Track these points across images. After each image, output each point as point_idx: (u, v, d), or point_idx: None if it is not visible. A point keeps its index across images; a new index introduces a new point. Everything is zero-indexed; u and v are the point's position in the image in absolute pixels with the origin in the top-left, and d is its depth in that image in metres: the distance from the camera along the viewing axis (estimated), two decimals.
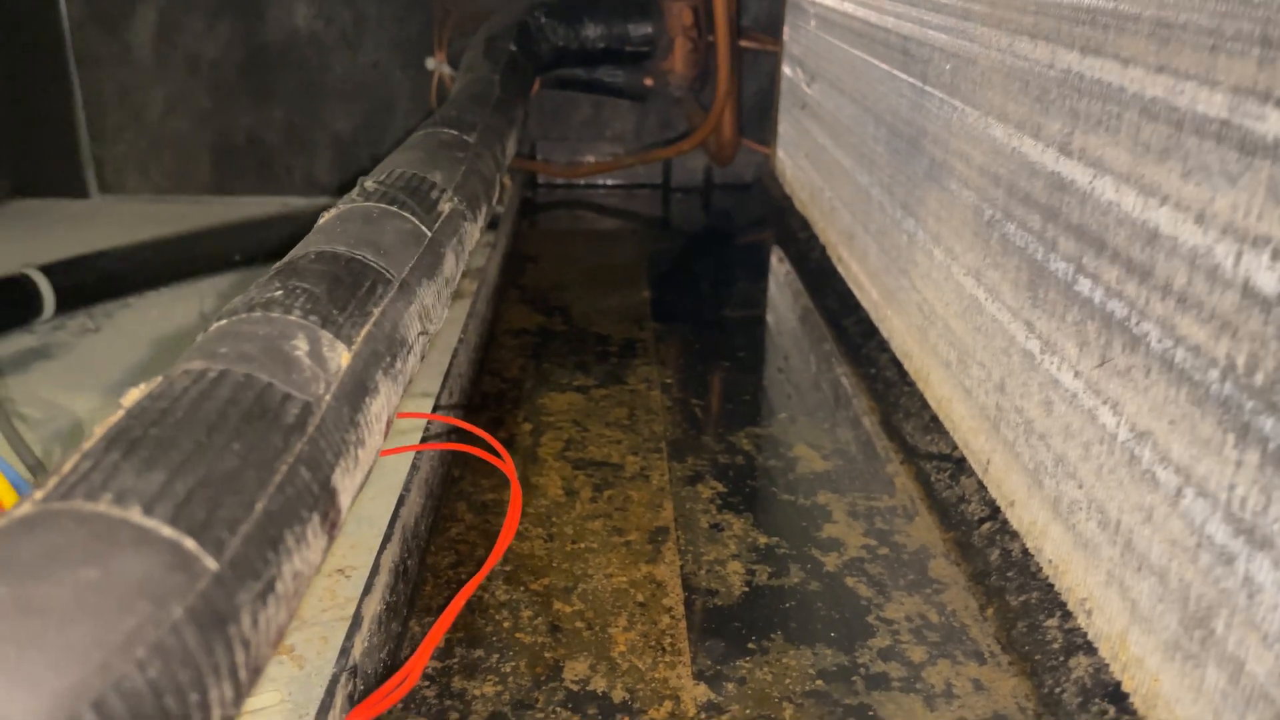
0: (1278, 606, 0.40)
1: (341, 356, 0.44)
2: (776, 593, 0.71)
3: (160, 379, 0.38)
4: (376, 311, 0.50)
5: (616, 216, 1.81)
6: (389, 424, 0.48)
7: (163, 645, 0.28)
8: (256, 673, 0.32)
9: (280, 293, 0.47)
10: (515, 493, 0.56)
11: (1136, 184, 0.52)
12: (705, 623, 0.68)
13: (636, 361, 1.12)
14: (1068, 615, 0.61)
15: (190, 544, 0.30)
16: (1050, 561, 0.63)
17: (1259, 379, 0.42)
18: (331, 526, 0.38)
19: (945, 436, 0.84)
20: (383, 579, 0.59)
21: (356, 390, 0.44)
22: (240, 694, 0.30)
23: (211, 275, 1.56)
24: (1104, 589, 0.56)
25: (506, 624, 0.67)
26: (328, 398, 0.41)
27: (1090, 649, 0.58)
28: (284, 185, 1.94)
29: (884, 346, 1.05)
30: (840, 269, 1.25)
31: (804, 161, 1.52)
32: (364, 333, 0.47)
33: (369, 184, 0.72)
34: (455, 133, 0.95)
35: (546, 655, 0.64)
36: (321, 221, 0.63)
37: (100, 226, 1.84)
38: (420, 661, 0.44)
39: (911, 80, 0.94)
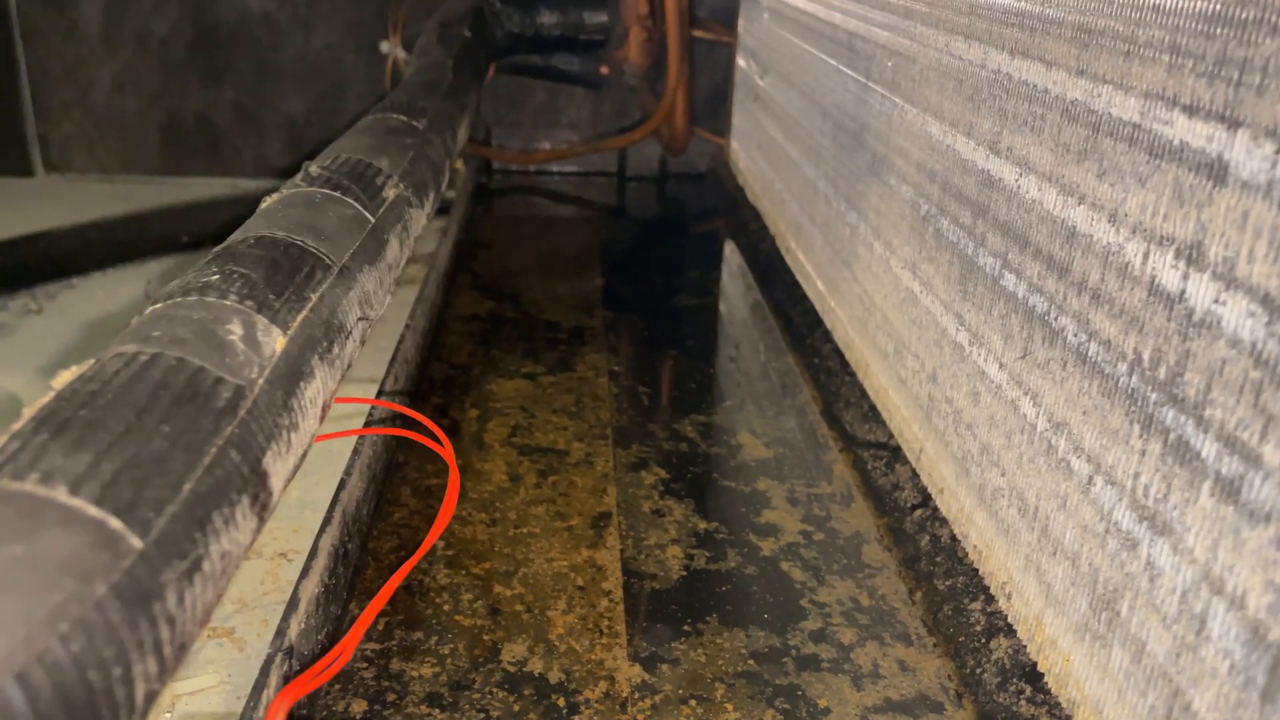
0: (1175, 590, 0.43)
1: (276, 341, 0.44)
2: (714, 577, 0.73)
3: (92, 361, 0.39)
4: (314, 297, 0.51)
5: (571, 204, 1.82)
6: (325, 409, 0.49)
7: (87, 621, 0.28)
8: (183, 649, 0.32)
9: (217, 277, 0.47)
10: (453, 478, 0.57)
11: (1057, 183, 0.53)
12: (643, 606, 0.69)
13: (586, 349, 1.13)
14: (990, 599, 0.63)
15: (116, 523, 0.30)
16: (975, 547, 0.65)
17: (1162, 373, 0.44)
18: (262, 508, 0.38)
19: (882, 425, 0.86)
20: (321, 562, 0.59)
21: (291, 375, 0.44)
22: (165, 670, 0.31)
23: (158, 257, 1.54)
24: (1022, 573, 0.58)
25: (446, 607, 0.68)
26: (260, 381, 0.41)
27: (1010, 631, 0.60)
28: (234, 167, 1.92)
29: (827, 337, 1.07)
30: (788, 260, 1.27)
31: (756, 153, 1.54)
32: (300, 318, 0.48)
33: (313, 169, 0.72)
34: (404, 118, 0.95)
35: (485, 638, 0.65)
36: (263, 206, 0.64)
37: (46, 206, 1.82)
38: (353, 640, 0.45)
39: (856, 76, 0.95)
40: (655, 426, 0.95)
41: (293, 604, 0.54)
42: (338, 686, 0.60)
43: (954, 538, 0.69)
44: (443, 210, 1.41)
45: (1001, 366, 0.61)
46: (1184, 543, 0.42)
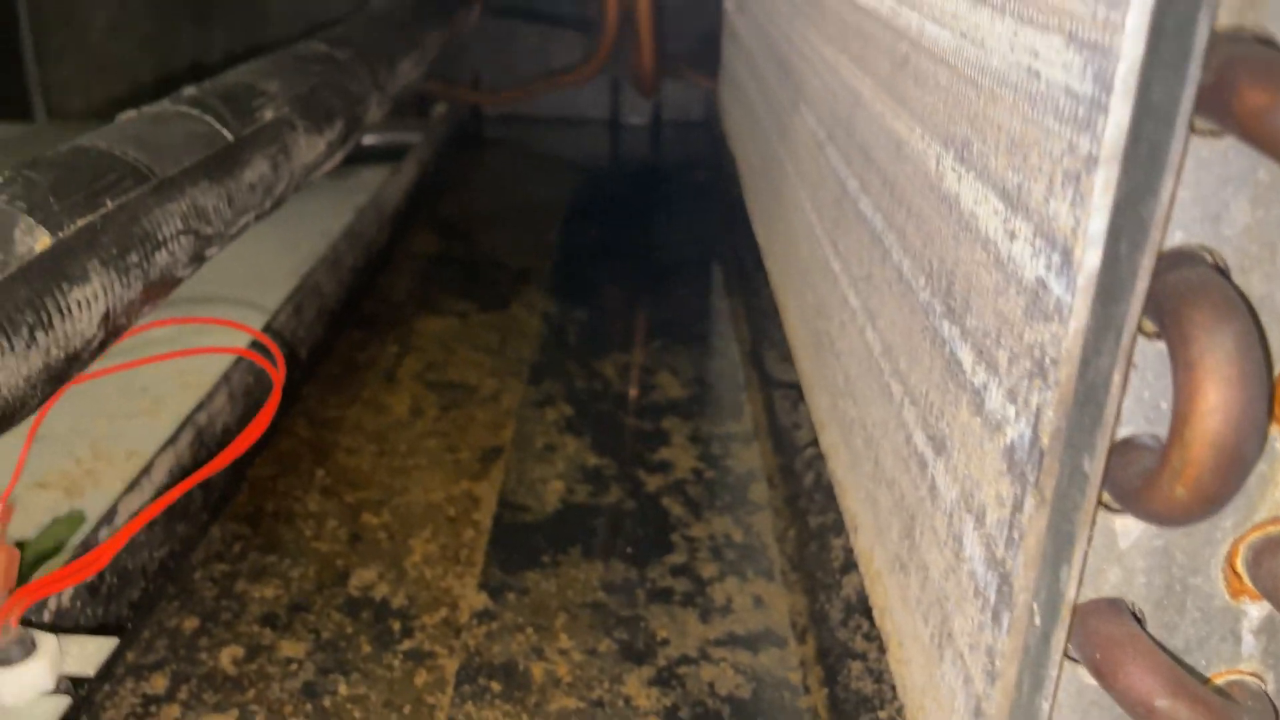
0: (946, 511, 0.40)
1: (39, 241, 0.44)
2: (589, 511, 0.71)
3: None
4: (110, 203, 0.50)
5: (558, 151, 1.79)
6: (114, 315, 0.48)
7: None
8: None
9: (1, 180, 0.47)
10: (273, 400, 0.56)
11: (890, 91, 0.51)
12: (508, 537, 0.68)
13: (527, 288, 1.12)
14: (848, 532, 0.61)
15: None
16: (839, 482, 0.63)
17: (942, 283, 0.41)
18: None
19: (794, 364, 0.84)
20: (156, 479, 0.59)
21: (51, 275, 0.43)
22: None
23: None
24: (863, 506, 0.56)
25: (308, 533, 0.67)
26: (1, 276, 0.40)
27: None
28: None
29: (768, 279, 1.04)
30: (747, 202, 1.24)
31: (732, 95, 1.50)
32: (83, 222, 0.47)
33: (187, 91, 0.71)
34: (324, 48, 0.94)
35: (338, 563, 0.65)
36: (116, 121, 0.63)
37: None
38: (112, 549, 0.44)
39: (787, 4, 0.92)
40: (574, 365, 0.94)
41: (109, 516, 0.54)
42: (175, 603, 0.60)
43: (830, 473, 0.67)
44: (398, 151, 1.39)
45: (856, 291, 0.58)
46: (951, 461, 0.40)
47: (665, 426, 0.83)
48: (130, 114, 0.63)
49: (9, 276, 0.41)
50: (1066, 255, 0.29)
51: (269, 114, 0.71)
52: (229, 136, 0.64)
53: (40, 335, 0.42)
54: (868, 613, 0.55)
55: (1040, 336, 0.31)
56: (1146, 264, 0.24)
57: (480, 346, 0.96)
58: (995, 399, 0.35)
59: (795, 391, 0.82)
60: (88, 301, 0.46)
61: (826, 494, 0.67)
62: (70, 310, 0.44)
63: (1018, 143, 0.33)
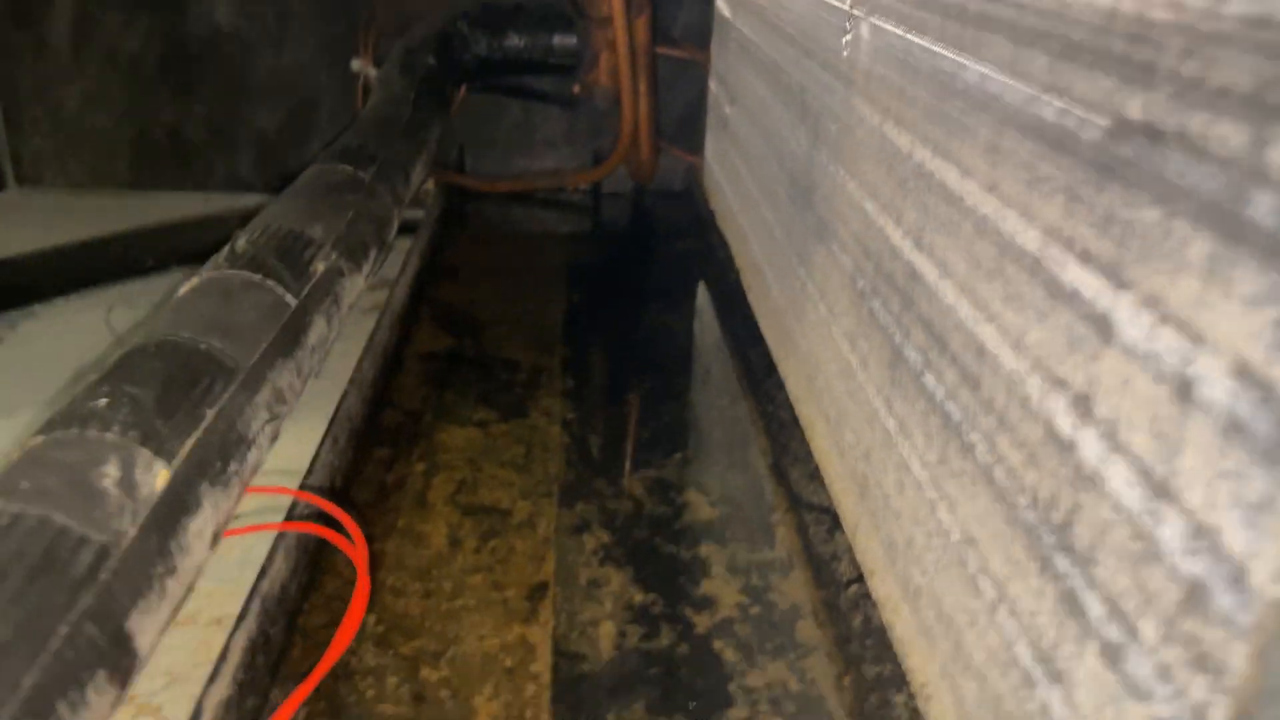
0: None
1: (158, 478, 0.44)
2: (644, 657, 0.72)
3: None
4: (210, 414, 0.50)
5: (544, 222, 1.80)
6: (219, 530, 0.48)
7: None
8: None
9: (105, 403, 0.46)
10: (361, 587, 0.56)
11: (970, 295, 0.53)
12: (569, 692, 0.69)
13: (541, 392, 1.12)
14: (913, 694, 0.63)
15: None
16: (900, 639, 0.65)
17: (1056, 517, 0.43)
18: (124, 675, 0.38)
19: (826, 489, 0.86)
20: (233, 662, 0.59)
21: (172, 513, 0.44)
22: None
23: (122, 281, 1.53)
24: (939, 680, 0.57)
25: (370, 692, 0.67)
26: (132, 531, 0.41)
27: None
28: (205, 182, 1.91)
29: (781, 385, 1.06)
30: (749, 296, 1.26)
31: (723, 180, 1.53)
32: (190, 443, 0.47)
33: (240, 244, 0.71)
34: (350, 169, 0.94)
35: None
36: (181, 293, 0.63)
37: (15, 220, 1.81)
38: None
39: (806, 132, 0.94)
40: (602, 482, 0.95)
41: (196, 715, 0.54)
42: None
43: (885, 624, 0.69)
44: (406, 230, 1.39)
45: (923, 464, 0.60)
46: (1074, 697, 0.41)
47: (703, 554, 0.84)
48: (193, 283, 0.63)
49: (142, 528, 0.41)
50: (1238, 574, 0.31)
51: (320, 266, 0.71)
52: (291, 301, 0.65)
53: (170, 582, 0.42)
54: None
55: (1203, 633, 0.33)
56: None
57: (507, 462, 0.97)
58: (1139, 666, 0.36)
59: (828, 516, 0.84)
60: (202, 530, 0.46)
61: (878, 640, 0.69)
62: (190, 546, 0.44)
63: (1163, 435, 0.35)
